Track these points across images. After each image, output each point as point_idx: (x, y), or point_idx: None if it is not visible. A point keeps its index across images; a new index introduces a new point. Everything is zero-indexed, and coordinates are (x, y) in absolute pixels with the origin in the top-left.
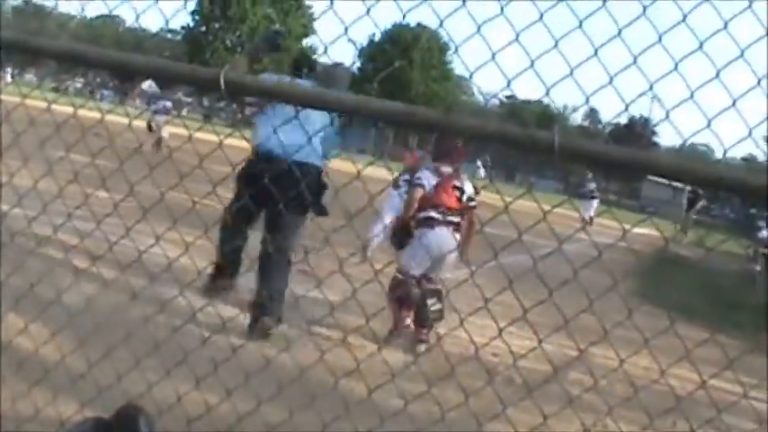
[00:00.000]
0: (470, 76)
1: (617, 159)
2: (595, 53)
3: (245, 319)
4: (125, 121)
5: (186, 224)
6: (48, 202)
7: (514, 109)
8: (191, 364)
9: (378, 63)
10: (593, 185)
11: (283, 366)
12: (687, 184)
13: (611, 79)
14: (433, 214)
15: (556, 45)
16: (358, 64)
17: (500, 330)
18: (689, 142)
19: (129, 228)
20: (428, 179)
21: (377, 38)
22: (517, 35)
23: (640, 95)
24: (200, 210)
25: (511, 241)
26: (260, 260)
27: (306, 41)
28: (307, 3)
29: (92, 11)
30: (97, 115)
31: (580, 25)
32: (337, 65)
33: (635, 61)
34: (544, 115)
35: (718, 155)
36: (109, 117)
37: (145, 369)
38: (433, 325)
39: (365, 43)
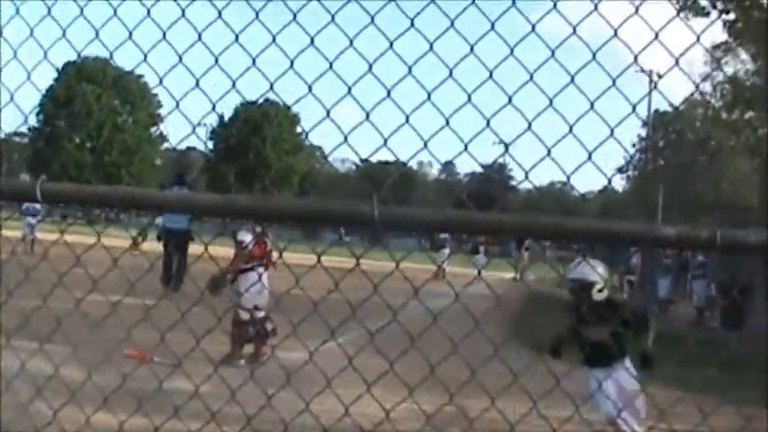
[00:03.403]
0: (320, 149)
1: (434, 222)
2: (447, 123)
3: None
4: None
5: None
6: None
7: (371, 172)
8: None
9: (230, 143)
10: (444, 235)
11: None
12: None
13: (466, 146)
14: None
15: (407, 120)
16: (210, 146)
17: (368, 386)
18: (547, 182)
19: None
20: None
21: (226, 118)
22: (367, 115)
23: (489, 150)
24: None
25: (365, 297)
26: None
27: (153, 130)
28: (152, 92)
29: None
30: None
31: (429, 98)
32: (190, 149)
33: (488, 125)
34: (405, 175)
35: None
36: None
37: None
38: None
39: (215, 124)
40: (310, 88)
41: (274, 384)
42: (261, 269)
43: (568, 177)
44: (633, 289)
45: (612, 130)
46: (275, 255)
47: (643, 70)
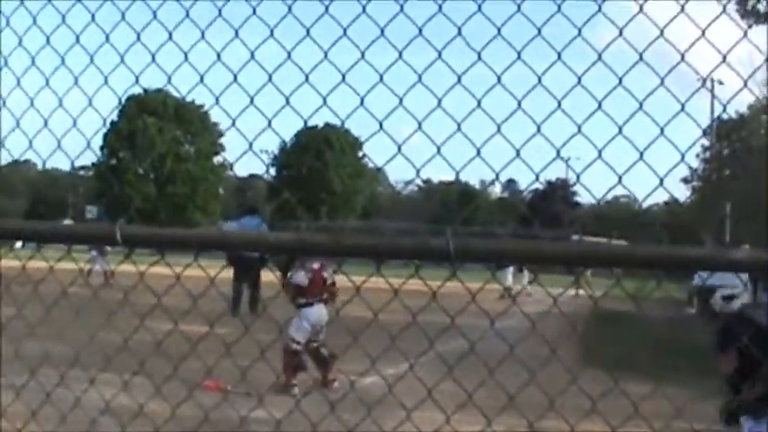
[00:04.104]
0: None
1: (511, 253)
2: (498, 130)
3: None
4: (45, 265)
5: (121, 363)
6: None
7: (433, 192)
8: None
9: (292, 169)
10: None
11: None
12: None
13: (518, 153)
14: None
15: (459, 128)
16: (273, 172)
17: (447, 418)
18: (611, 196)
19: (63, 375)
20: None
21: (288, 145)
22: (419, 124)
23: (549, 164)
24: (133, 347)
25: (443, 329)
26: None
27: (216, 159)
28: (213, 121)
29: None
30: (17, 263)
31: (479, 105)
32: (253, 176)
33: (539, 130)
34: (463, 194)
35: (643, 202)
36: (30, 263)
37: None
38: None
39: (277, 151)
40: (362, 100)
41: (347, 410)
42: (320, 305)
43: (620, 178)
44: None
45: (662, 129)
46: (336, 287)
47: (699, 75)
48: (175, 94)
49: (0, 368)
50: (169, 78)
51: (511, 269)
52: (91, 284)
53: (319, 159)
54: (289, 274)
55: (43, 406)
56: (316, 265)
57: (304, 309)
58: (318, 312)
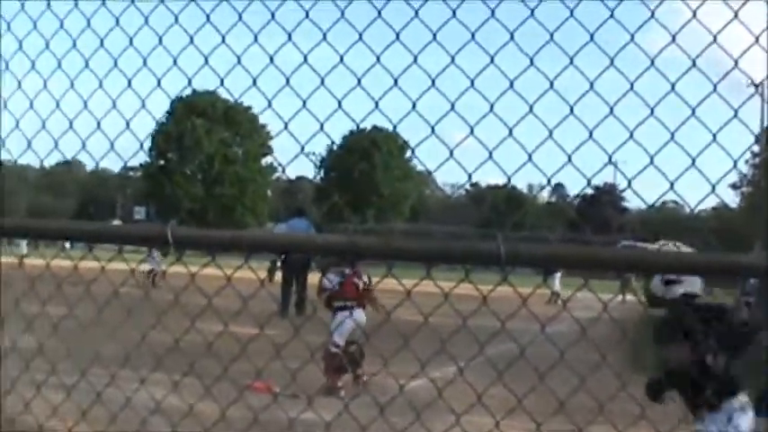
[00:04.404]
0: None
1: (561, 257)
2: (550, 134)
3: None
4: (97, 265)
5: (171, 363)
6: (29, 361)
7: (481, 196)
8: None
9: (340, 171)
10: None
11: None
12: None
13: (570, 158)
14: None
15: (510, 133)
16: (321, 175)
17: (497, 423)
18: (659, 202)
19: (113, 375)
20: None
21: (335, 147)
22: (471, 129)
23: (600, 170)
24: (183, 347)
25: (494, 333)
26: None
27: (264, 161)
28: (261, 122)
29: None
30: (69, 263)
31: (531, 110)
32: (300, 178)
33: (591, 136)
34: (510, 198)
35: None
36: (83, 263)
37: None
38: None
39: (324, 153)
40: (414, 105)
41: (396, 413)
42: (358, 309)
43: (672, 184)
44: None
45: (715, 136)
46: (374, 292)
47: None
48: (226, 96)
49: (55, 367)
50: (221, 81)
51: (559, 274)
52: (142, 285)
53: (367, 162)
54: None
55: (93, 405)
56: (348, 271)
57: (339, 312)
58: (354, 316)
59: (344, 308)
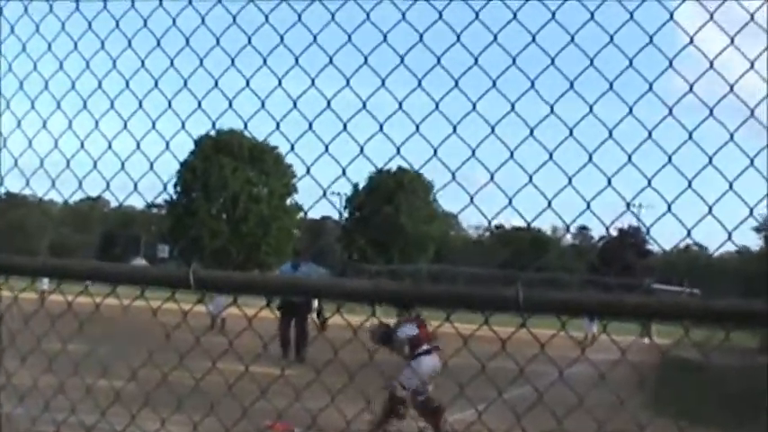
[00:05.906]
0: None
1: (578, 304)
2: (569, 182)
3: None
4: (117, 303)
5: (191, 403)
6: (49, 399)
7: (506, 238)
8: None
9: (364, 212)
10: None
11: None
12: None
13: (588, 205)
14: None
15: (531, 180)
16: (345, 215)
17: None
18: (683, 245)
19: (134, 415)
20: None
21: (360, 187)
22: (492, 175)
23: (619, 217)
24: (202, 387)
25: (513, 377)
26: None
27: (289, 200)
28: (286, 162)
29: (75, 196)
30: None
31: (551, 157)
32: (325, 218)
33: (609, 183)
34: (535, 240)
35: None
36: (107, 301)
37: None
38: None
39: (349, 193)
40: (435, 151)
41: None
42: (436, 352)
43: (689, 231)
44: None
45: (731, 184)
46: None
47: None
48: (250, 136)
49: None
50: (245, 124)
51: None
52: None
53: (391, 202)
54: (396, 331)
55: None
56: (414, 315)
57: (423, 357)
58: (434, 361)
59: (429, 351)
